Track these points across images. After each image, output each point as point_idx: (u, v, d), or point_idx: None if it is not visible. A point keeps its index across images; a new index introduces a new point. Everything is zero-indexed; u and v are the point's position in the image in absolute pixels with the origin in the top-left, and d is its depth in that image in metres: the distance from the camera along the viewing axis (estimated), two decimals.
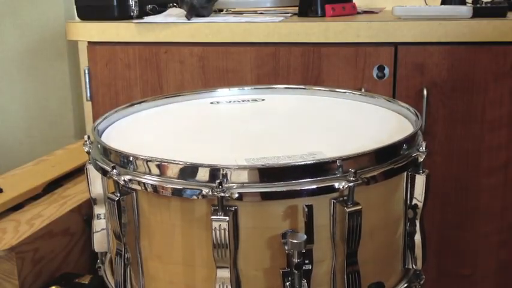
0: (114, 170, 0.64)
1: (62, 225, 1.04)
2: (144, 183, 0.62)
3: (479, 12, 1.14)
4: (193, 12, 1.28)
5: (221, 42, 1.23)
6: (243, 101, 0.95)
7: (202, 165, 0.60)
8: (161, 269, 0.67)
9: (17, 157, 1.91)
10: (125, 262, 0.68)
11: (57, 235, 1.03)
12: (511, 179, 1.16)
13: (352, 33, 1.15)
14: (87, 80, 1.33)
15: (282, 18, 1.27)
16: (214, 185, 0.58)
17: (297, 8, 1.38)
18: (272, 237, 0.61)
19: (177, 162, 0.61)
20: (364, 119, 0.85)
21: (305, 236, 0.58)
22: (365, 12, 1.45)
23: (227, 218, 0.58)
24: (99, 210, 0.77)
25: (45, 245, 0.99)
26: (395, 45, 1.15)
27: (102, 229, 0.77)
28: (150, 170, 0.62)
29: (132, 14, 1.36)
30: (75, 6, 1.37)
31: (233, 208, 0.59)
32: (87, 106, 1.41)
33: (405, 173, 0.69)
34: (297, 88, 1.01)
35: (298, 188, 0.59)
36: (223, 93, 0.99)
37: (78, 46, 1.87)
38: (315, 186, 0.59)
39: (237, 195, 0.58)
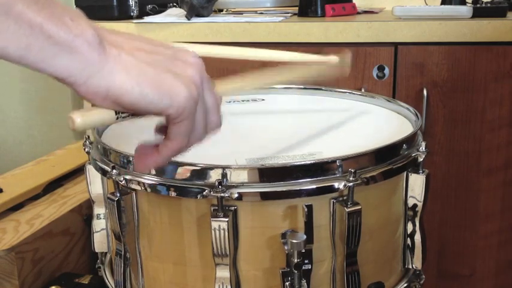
0: (114, 170, 0.64)
1: (62, 225, 1.04)
2: (143, 183, 0.62)
3: (479, 12, 1.14)
4: (193, 12, 1.28)
5: (221, 42, 1.23)
6: (243, 101, 0.95)
7: (202, 165, 0.60)
8: (161, 269, 0.67)
9: (17, 157, 1.91)
10: (125, 262, 0.68)
11: (57, 235, 1.03)
12: (511, 179, 1.16)
13: (352, 33, 1.15)
14: None
15: (282, 18, 1.27)
16: (214, 185, 0.58)
17: (297, 8, 1.38)
18: (272, 237, 0.61)
19: (176, 162, 0.61)
20: (364, 119, 0.85)
21: (305, 236, 0.58)
22: (365, 12, 1.45)
23: (227, 218, 0.58)
24: (99, 210, 0.77)
25: (45, 245, 0.99)
26: (396, 45, 1.15)
27: (102, 229, 0.77)
28: (149, 170, 0.62)
29: (132, 14, 1.36)
30: (75, 6, 1.37)
31: (233, 208, 0.59)
32: (87, 106, 1.42)
33: (405, 173, 0.69)
34: (297, 88, 1.00)
35: (298, 188, 0.59)
36: None
37: None
38: (314, 186, 0.59)
39: (236, 195, 0.58)
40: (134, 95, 0.40)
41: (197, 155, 0.67)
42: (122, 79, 0.39)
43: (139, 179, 0.63)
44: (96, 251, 0.79)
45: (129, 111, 0.42)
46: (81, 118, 0.40)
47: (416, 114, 0.77)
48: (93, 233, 0.78)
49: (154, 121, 0.89)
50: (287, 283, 0.60)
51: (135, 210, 0.66)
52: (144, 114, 0.43)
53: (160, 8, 1.44)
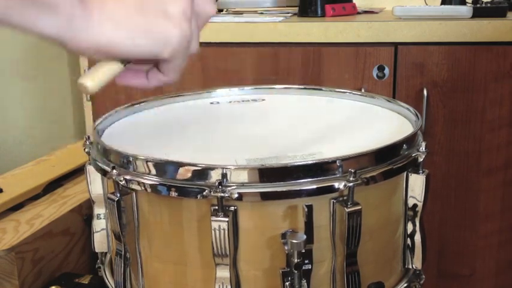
0: (114, 170, 0.64)
1: (62, 225, 1.04)
2: (143, 184, 0.62)
3: (479, 12, 1.14)
4: None
5: (221, 42, 1.23)
6: (243, 101, 0.95)
7: (202, 165, 0.60)
8: (161, 269, 0.67)
9: (17, 157, 1.91)
10: (125, 262, 0.68)
11: (57, 235, 1.03)
12: (510, 179, 1.16)
13: (352, 33, 1.15)
14: None
15: (282, 18, 1.27)
16: (214, 185, 0.58)
17: (297, 8, 1.38)
18: (272, 237, 0.61)
19: (176, 162, 0.61)
20: (364, 119, 0.85)
21: (305, 236, 0.58)
22: (365, 12, 1.45)
23: (227, 218, 0.58)
24: (99, 210, 0.77)
25: (45, 245, 0.99)
26: (396, 45, 1.15)
27: (102, 229, 0.77)
28: (149, 170, 0.62)
29: None
30: None
31: (233, 208, 0.59)
32: (87, 106, 1.42)
33: (405, 173, 0.69)
34: (297, 88, 1.00)
35: (298, 188, 0.59)
36: (223, 94, 0.99)
37: None
38: (314, 186, 0.59)
39: (236, 195, 0.58)
40: (126, 47, 0.39)
41: (197, 155, 0.67)
42: (111, 32, 0.38)
43: (140, 179, 0.63)
44: (96, 251, 0.79)
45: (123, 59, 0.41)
46: (91, 82, 0.40)
47: (417, 115, 0.77)
48: (93, 233, 0.78)
49: (154, 121, 0.89)
50: (287, 283, 0.60)
51: (135, 210, 0.66)
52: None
53: None
